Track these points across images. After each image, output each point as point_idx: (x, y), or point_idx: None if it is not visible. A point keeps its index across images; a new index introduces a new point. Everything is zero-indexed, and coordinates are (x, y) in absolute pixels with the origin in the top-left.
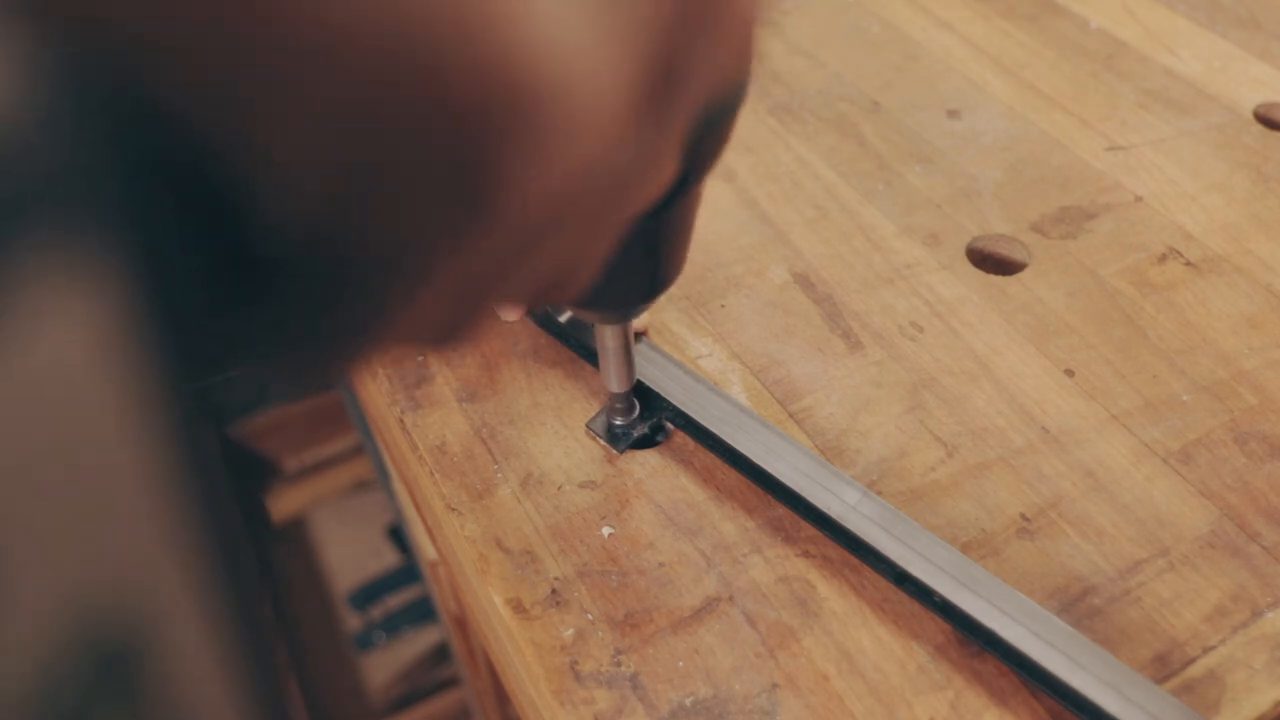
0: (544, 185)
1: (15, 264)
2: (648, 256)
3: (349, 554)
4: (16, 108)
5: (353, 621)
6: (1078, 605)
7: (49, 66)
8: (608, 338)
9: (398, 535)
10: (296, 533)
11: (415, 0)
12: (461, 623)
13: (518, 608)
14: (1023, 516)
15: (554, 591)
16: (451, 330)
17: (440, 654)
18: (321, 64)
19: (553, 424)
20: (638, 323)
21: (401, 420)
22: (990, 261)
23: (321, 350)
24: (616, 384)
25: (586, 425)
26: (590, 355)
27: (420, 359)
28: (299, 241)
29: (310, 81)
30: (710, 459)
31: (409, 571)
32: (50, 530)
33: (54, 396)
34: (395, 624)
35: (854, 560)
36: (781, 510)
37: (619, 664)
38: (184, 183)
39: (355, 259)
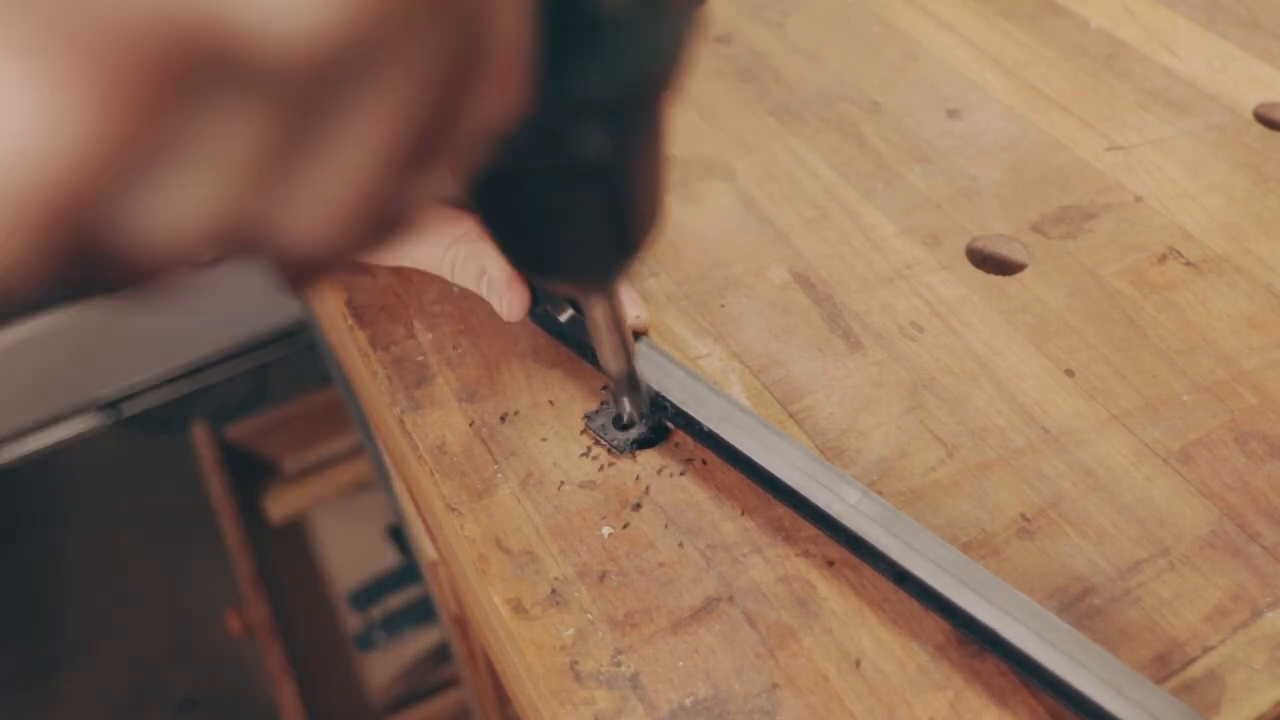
0: None
1: None
2: (609, 205)
3: (349, 554)
4: None
5: (353, 621)
6: (1078, 605)
7: None
8: (595, 311)
9: (398, 535)
10: (296, 533)
11: None
12: (461, 623)
13: (518, 608)
14: (1023, 516)
15: (554, 591)
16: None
17: (440, 654)
18: None
19: (553, 424)
20: (638, 322)
21: (401, 420)
22: (990, 261)
23: None
24: (614, 362)
25: (586, 425)
26: (590, 355)
27: (420, 358)
28: None
29: None
30: (710, 459)
31: (409, 571)
32: None
33: None
34: (395, 624)
35: (854, 560)
36: (781, 510)
37: (619, 664)
38: None
39: None
